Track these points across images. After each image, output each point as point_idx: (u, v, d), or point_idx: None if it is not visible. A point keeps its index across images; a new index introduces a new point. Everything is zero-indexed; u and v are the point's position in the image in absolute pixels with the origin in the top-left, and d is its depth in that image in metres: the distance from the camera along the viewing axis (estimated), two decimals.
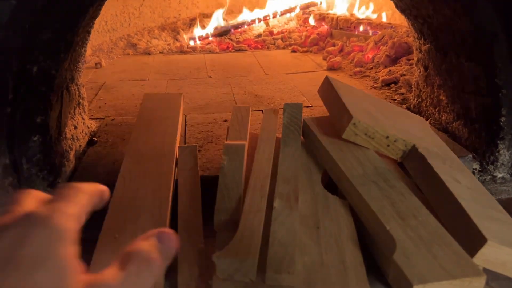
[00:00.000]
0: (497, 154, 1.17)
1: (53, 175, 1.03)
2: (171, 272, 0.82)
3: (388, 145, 1.00)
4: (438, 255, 0.73)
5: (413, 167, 0.98)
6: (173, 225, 0.93)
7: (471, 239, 0.76)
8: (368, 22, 2.50)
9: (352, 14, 2.82)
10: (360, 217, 0.87)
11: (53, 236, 0.28)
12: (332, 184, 1.00)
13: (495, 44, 1.07)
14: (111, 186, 0.98)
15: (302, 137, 1.11)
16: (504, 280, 0.80)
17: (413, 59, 1.70)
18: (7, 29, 0.84)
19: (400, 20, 2.28)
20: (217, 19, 3.03)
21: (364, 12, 2.83)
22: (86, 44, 1.28)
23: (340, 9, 2.96)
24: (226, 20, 3.06)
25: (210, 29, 3.00)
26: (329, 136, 1.05)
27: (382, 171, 0.94)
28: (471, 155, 1.20)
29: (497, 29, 1.06)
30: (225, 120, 1.53)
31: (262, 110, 1.60)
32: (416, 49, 1.51)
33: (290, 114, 1.14)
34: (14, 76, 0.90)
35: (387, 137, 0.99)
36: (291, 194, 0.90)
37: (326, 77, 1.18)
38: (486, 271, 0.79)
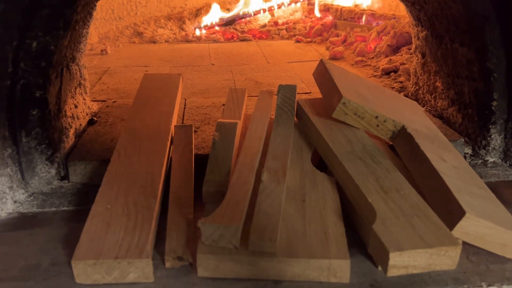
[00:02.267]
0: (488, 138, 1.18)
1: (51, 149, 1.07)
2: (159, 240, 0.85)
3: (377, 125, 1.01)
4: (416, 226, 0.75)
5: (401, 147, 1.00)
6: (165, 198, 0.95)
7: (451, 212, 0.78)
8: (372, 13, 2.50)
9: (356, 5, 2.82)
10: (345, 192, 0.89)
11: None
12: (322, 164, 1.02)
13: (487, 27, 1.08)
14: (107, 162, 1.03)
15: (295, 118, 1.14)
16: (484, 255, 0.81)
17: None
18: (7, 3, 0.87)
19: (404, 11, 2.28)
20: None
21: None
22: (88, 26, 1.31)
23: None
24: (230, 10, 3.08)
25: (215, 19, 3.03)
26: (321, 116, 1.07)
27: (370, 149, 0.96)
28: (463, 139, 1.21)
29: (489, 12, 1.07)
30: (224, 104, 1.55)
31: None
32: (414, 37, 1.52)
33: (284, 95, 1.16)
34: (14, 49, 0.93)
35: (376, 117, 1.00)
36: (280, 169, 0.92)
37: (321, 60, 1.20)
38: (467, 246, 0.81)
